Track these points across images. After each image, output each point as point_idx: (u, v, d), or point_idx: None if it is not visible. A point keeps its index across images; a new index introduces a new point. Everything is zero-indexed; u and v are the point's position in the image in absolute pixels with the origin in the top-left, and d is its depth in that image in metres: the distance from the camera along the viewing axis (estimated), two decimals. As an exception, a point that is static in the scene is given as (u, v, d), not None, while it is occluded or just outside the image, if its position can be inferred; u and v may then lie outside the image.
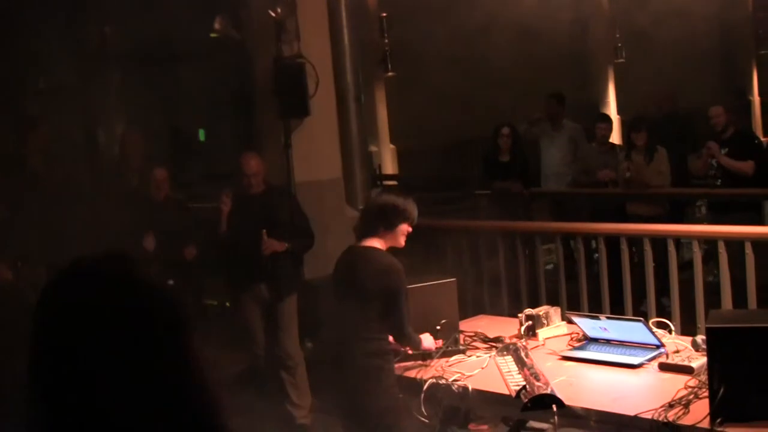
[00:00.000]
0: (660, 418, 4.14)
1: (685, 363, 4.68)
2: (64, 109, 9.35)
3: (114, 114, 11.33)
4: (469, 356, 5.35)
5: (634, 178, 9.44)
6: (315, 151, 8.58)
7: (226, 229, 7.43)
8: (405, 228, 5.25)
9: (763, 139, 13.28)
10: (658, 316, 6.17)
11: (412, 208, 5.29)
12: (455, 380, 4.94)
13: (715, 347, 4.03)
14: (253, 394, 7.44)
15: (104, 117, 11.26)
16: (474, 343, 5.55)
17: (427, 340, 5.33)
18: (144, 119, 10.53)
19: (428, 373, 5.13)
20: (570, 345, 5.39)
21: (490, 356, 5.28)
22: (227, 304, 8.76)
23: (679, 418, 4.12)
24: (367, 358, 5.06)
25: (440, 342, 5.40)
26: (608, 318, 5.48)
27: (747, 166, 9.22)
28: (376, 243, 5.24)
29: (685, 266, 7.83)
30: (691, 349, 4.94)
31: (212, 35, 9.49)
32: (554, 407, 4.37)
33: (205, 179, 10.57)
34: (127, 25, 11.13)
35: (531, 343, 5.42)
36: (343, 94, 8.97)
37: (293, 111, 8.42)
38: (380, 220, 5.26)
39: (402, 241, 5.30)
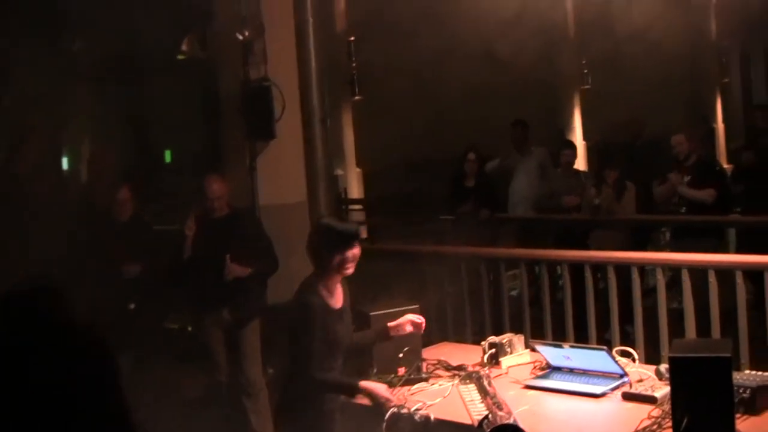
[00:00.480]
0: (623, 450, 4.09)
1: (649, 392, 4.63)
2: (32, 125, 9.28)
3: (81, 131, 11.27)
4: (432, 384, 5.27)
5: (601, 205, 9.44)
6: (280, 174, 8.55)
7: (190, 254, 7.36)
8: (339, 258, 4.97)
9: (726, 166, 13.37)
10: (621, 344, 6.13)
11: (344, 234, 5.00)
12: (417, 409, 4.81)
13: (678, 377, 3.99)
14: (214, 420, 7.35)
15: (72, 134, 11.19)
16: (437, 371, 5.46)
17: (375, 388, 4.93)
18: (111, 137, 10.48)
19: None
20: (533, 374, 5.32)
21: (452, 385, 5.20)
22: (189, 328, 8.68)
23: (643, 449, 4.07)
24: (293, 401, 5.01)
25: (402, 369, 5.32)
26: (572, 346, 5.43)
27: (706, 195, 9.26)
28: (314, 274, 5.08)
29: (650, 293, 7.82)
30: (655, 378, 4.89)
31: (180, 56, 9.44)
32: (517, 437, 4.29)
33: (169, 199, 10.50)
34: (95, 43, 11.07)
35: (494, 372, 5.34)
36: (309, 117, 8.94)
37: (259, 133, 8.40)
38: (312, 251, 5.08)
39: (345, 270, 5.02)
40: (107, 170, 8.69)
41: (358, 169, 12.48)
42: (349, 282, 5.26)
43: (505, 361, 5.49)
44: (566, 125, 14.89)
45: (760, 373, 4.57)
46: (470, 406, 4.79)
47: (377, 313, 5.44)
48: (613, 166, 9.69)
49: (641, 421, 4.31)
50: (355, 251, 5.02)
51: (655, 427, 4.25)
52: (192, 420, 7.08)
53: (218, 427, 7.26)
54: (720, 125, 18.13)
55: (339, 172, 11.87)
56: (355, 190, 12.35)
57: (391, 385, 5.16)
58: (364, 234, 11.60)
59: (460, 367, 5.46)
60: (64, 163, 10.95)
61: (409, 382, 5.26)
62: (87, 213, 8.11)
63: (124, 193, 7.77)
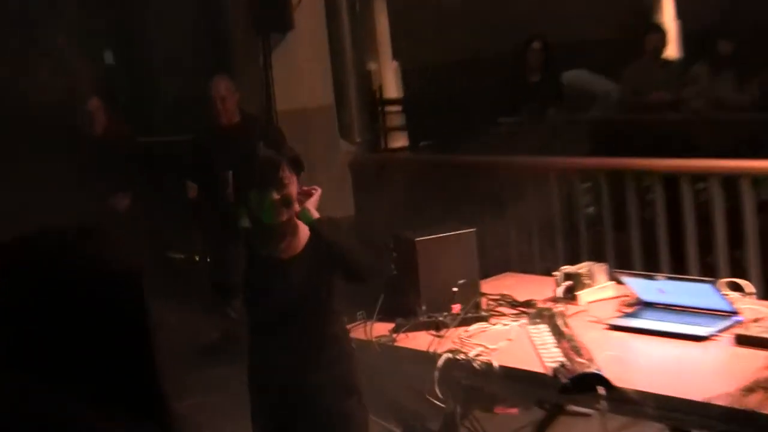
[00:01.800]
0: (737, 405, 3.98)
1: (768, 335, 4.57)
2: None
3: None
4: (494, 325, 5.31)
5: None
6: (300, 73, 8.66)
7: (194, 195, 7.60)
8: None
9: None
10: (730, 274, 6.09)
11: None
12: (477, 355, 4.87)
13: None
14: (225, 369, 7.40)
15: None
16: (499, 309, 5.51)
17: None
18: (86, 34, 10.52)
19: (443, 345, 5.06)
20: (619, 311, 5.29)
21: (519, 325, 5.23)
22: (196, 257, 8.78)
23: (762, 405, 3.95)
24: None
25: (457, 307, 5.31)
26: (668, 278, 5.40)
27: None
28: None
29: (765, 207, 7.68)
30: (776, 317, 4.84)
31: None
32: (601, 389, 4.28)
33: (170, 108, 10.63)
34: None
35: (570, 309, 5.35)
36: (334, 2, 8.94)
37: (274, 24, 8.48)
38: None
39: None
40: (88, 80, 8.93)
41: (395, 62, 12.36)
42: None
43: (584, 295, 5.49)
44: (653, 4, 14.65)
45: None
46: (542, 350, 4.81)
47: (425, 238, 5.47)
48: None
49: (758, 371, 4.23)
50: None
51: (774, 377, 4.20)
52: (200, 371, 7.19)
53: (229, 377, 7.34)
54: None
55: (372, 66, 11.79)
56: (392, 88, 12.26)
57: (443, 326, 5.22)
58: (404, 142, 11.57)
59: (527, 303, 5.50)
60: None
61: (466, 322, 5.30)
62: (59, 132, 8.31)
63: (92, 104, 7.93)
